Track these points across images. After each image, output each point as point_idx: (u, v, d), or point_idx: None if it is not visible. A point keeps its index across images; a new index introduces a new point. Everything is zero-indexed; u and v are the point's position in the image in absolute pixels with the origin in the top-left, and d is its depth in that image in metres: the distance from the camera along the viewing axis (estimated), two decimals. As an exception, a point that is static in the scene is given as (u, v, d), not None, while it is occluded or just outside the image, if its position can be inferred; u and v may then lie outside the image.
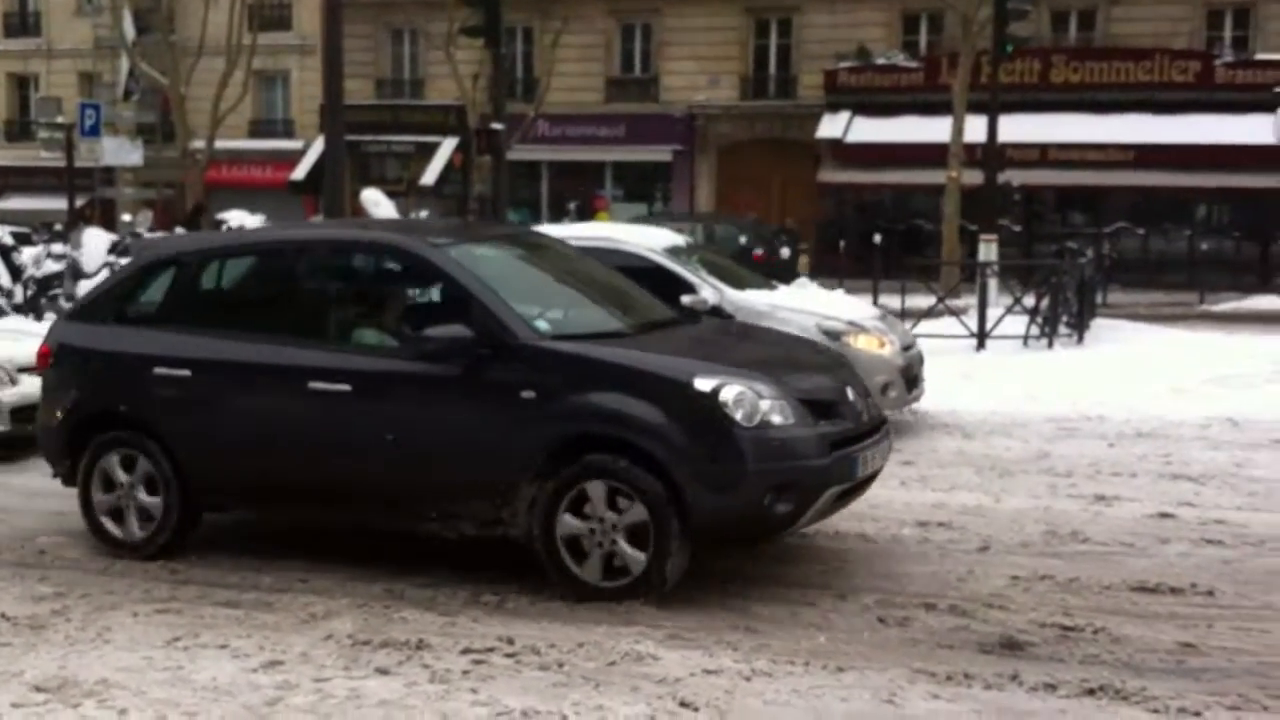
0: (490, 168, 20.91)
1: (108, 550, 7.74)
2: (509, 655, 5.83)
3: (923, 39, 33.30)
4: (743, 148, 34.26)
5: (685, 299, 10.82)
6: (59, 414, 7.95)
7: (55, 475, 8.16)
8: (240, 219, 22.58)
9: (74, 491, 7.90)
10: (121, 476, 7.72)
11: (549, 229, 12.51)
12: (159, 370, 7.58)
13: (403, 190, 32.79)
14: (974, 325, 16.18)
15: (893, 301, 17.44)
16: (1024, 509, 8.57)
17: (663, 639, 6.06)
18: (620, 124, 34.64)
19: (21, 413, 10.45)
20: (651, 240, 12.11)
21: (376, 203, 20.10)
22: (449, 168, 35.40)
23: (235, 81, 32.28)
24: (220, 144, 33.38)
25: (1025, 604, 6.57)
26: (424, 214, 22.82)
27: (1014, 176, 27.57)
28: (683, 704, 5.24)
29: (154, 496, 7.66)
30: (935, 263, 24.21)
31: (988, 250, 21.57)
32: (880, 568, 7.30)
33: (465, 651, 5.87)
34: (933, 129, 28.26)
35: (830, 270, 28.20)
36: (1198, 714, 5.16)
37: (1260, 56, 30.08)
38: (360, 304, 7.78)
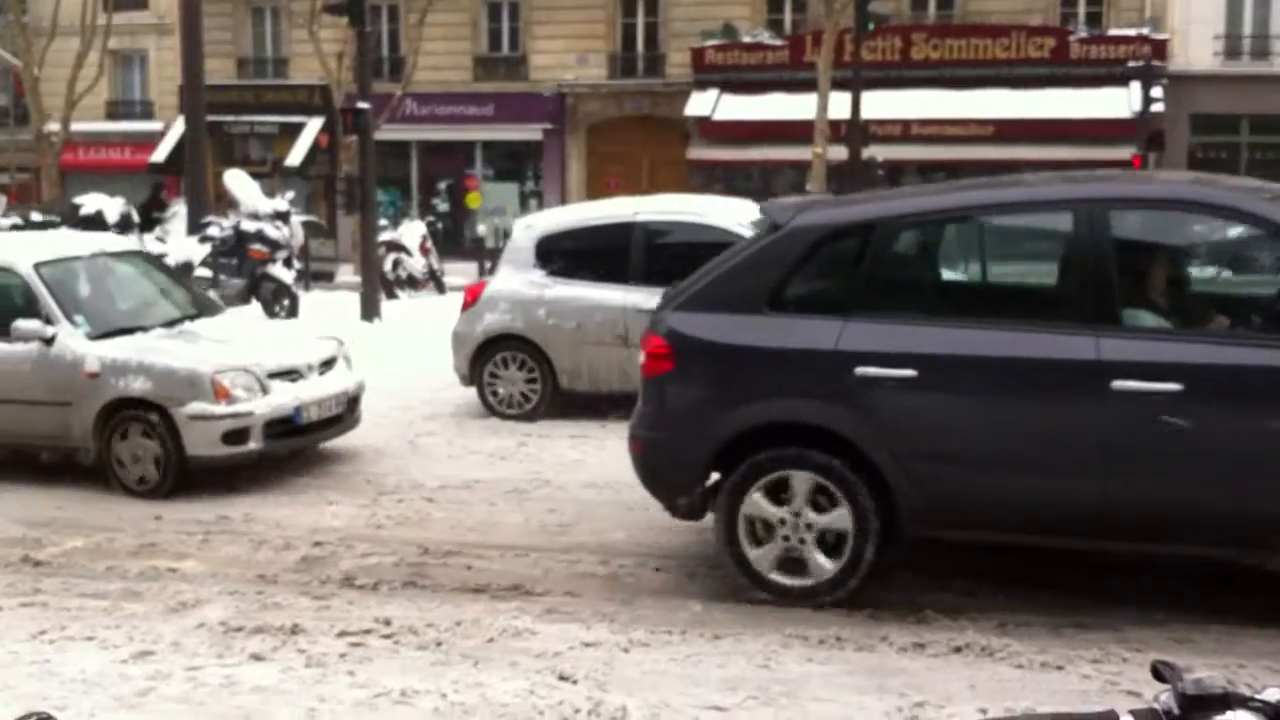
0: (357, 148, 20.63)
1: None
2: (386, 636, 5.81)
3: (787, 17, 33.60)
4: (612, 126, 34.26)
5: None
6: (693, 430, 6.30)
7: (677, 511, 6.60)
8: (98, 203, 21.96)
9: None
10: (807, 512, 6.16)
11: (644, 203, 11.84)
12: (864, 371, 5.99)
13: (268, 171, 32.15)
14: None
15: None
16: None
17: (540, 614, 6.09)
18: (489, 103, 34.37)
19: (274, 427, 9.00)
20: (734, 214, 11.25)
21: (240, 184, 19.69)
22: (315, 148, 34.81)
23: (91, 62, 31.30)
24: (76, 126, 32.35)
25: (897, 569, 6.72)
26: (289, 195, 22.38)
27: (878, 152, 28.01)
28: (561, 677, 5.28)
29: (822, 514, 6.13)
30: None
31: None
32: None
33: (341, 634, 5.83)
34: (799, 106, 28.55)
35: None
36: (1060, 668, 5.35)
37: (1113, 32, 30.93)
38: (1181, 278, 6.39)
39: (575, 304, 10.96)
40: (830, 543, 6.15)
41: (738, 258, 6.54)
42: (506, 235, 33.05)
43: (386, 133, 27.66)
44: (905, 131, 30.11)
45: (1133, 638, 5.65)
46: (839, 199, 7.96)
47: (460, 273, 23.11)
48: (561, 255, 11.25)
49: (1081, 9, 32.03)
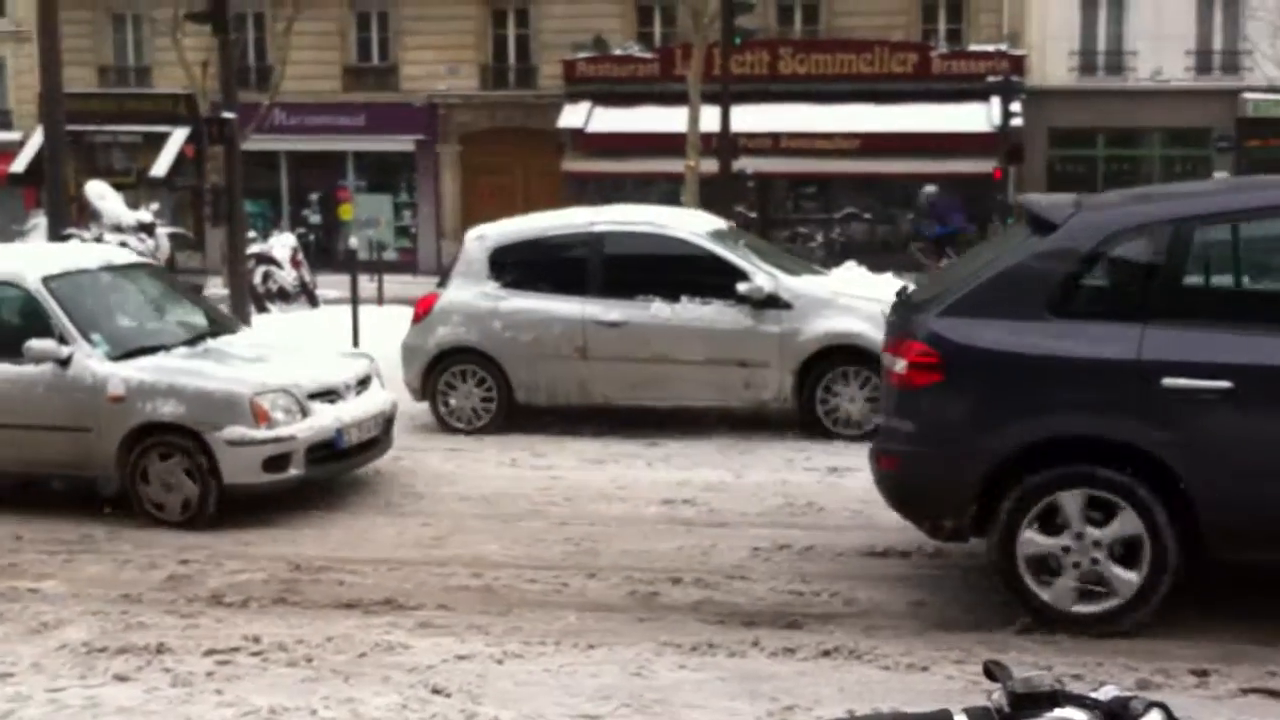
0: (224, 158, 20.26)
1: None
2: (255, 654, 5.73)
3: (657, 30, 33.87)
4: (485, 137, 34.15)
5: (741, 287, 10.41)
6: (967, 444, 5.91)
7: (941, 532, 6.23)
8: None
9: None
10: (1089, 530, 5.78)
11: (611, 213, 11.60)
12: (1173, 382, 5.58)
13: (132, 182, 31.40)
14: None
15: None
16: (763, 483, 8.88)
17: (413, 628, 6.06)
18: (360, 113, 34.02)
19: (316, 452, 8.42)
20: (694, 224, 11.31)
21: (102, 195, 19.21)
22: (181, 158, 34.10)
23: (-58, 70, 30.33)
24: (-71, 136, 31.31)
25: (765, 573, 6.84)
26: (155, 207, 21.88)
27: (748, 164, 28.36)
28: (435, 690, 5.27)
29: (1104, 527, 5.77)
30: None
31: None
32: (629, 545, 7.47)
33: (209, 653, 5.74)
34: (671, 119, 28.77)
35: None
36: (925, 669, 5.49)
37: (973, 48, 31.75)
38: None
39: (532, 316, 10.76)
40: (1119, 555, 5.78)
41: (1006, 260, 6.13)
42: (381, 247, 32.68)
43: (255, 143, 27.21)
44: (775, 144, 30.52)
45: (996, 639, 5.81)
46: (1119, 196, 7.55)
47: (333, 285, 22.79)
48: (516, 266, 11.00)
49: (942, 25, 32.82)
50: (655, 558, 7.20)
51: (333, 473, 8.70)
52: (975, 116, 30.21)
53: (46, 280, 8.60)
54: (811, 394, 10.34)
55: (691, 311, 10.53)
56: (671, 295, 10.60)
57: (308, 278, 23.02)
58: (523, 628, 6.07)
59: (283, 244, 23.45)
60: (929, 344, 5.94)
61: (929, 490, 6.09)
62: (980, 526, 5.98)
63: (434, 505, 8.52)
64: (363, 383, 9.05)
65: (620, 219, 11.32)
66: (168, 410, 8.17)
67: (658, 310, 10.59)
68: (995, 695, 1.65)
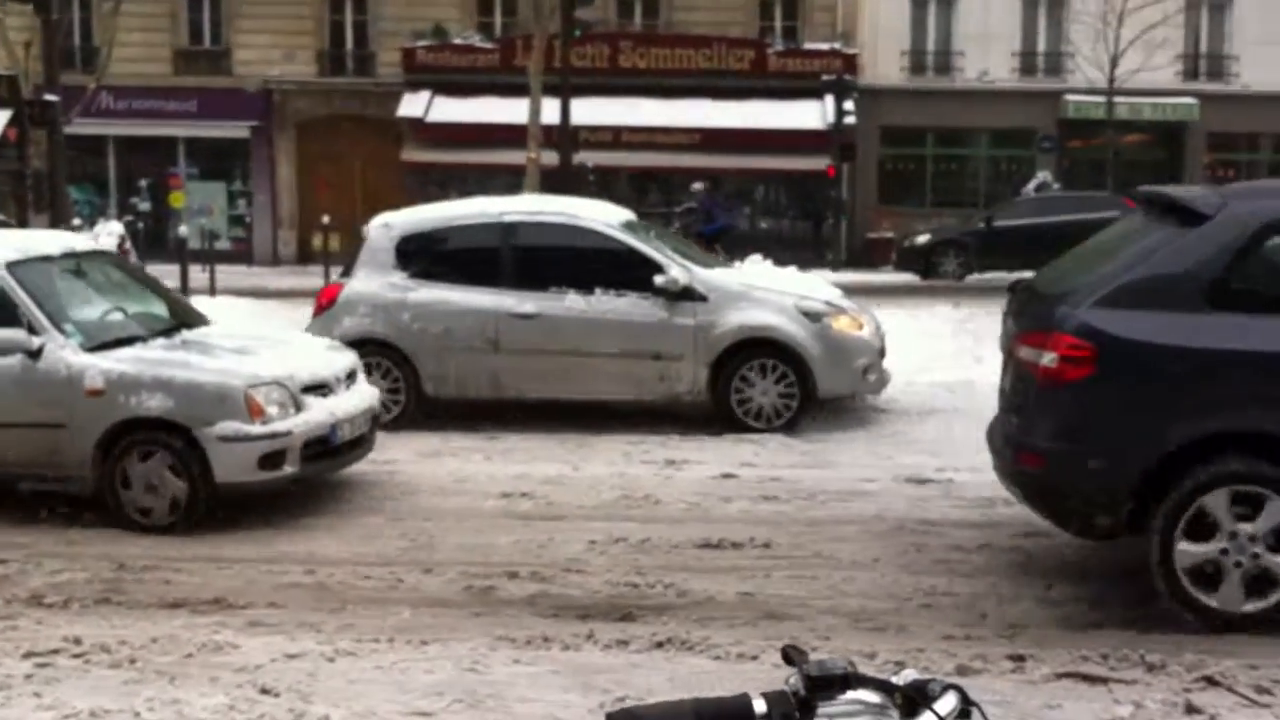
0: (46, 142, 19.55)
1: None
2: (76, 656, 5.56)
3: (498, 20, 33.71)
4: (323, 124, 33.55)
5: (658, 279, 10.30)
6: (1124, 441, 5.77)
7: (1092, 531, 6.14)
8: None
9: None
10: (1242, 528, 5.72)
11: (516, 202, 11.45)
12: None
13: (-54, 166, 30.08)
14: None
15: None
16: (601, 476, 8.94)
17: (242, 627, 5.96)
18: (192, 98, 33.09)
19: (310, 448, 7.94)
20: (606, 215, 11.11)
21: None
22: (3, 142, 32.77)
23: None
24: None
25: (601, 566, 6.89)
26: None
27: (588, 158, 28.43)
28: (264, 690, 5.18)
29: (1254, 521, 5.70)
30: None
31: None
32: (465, 540, 7.45)
33: (28, 655, 5.56)
34: (511, 110, 28.67)
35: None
36: (755, 658, 5.59)
37: (809, 46, 32.37)
38: None
39: (443, 308, 10.54)
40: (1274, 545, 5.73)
41: (1157, 251, 5.97)
42: (214, 236, 31.74)
43: (80, 127, 26.32)
44: (616, 138, 30.65)
45: (822, 626, 5.96)
46: (1267, 186, 7.40)
47: (163, 275, 22.11)
48: (424, 256, 10.77)
49: (778, 23, 33.34)
50: (492, 552, 7.20)
51: (324, 471, 8.31)
52: (810, 114, 30.77)
53: (10, 266, 7.96)
54: (726, 387, 10.38)
55: (606, 304, 10.49)
56: (585, 287, 10.53)
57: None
58: (356, 625, 6.01)
59: (109, 232, 22.66)
60: (1081, 336, 5.76)
61: (1081, 488, 5.94)
62: (1135, 524, 5.89)
63: (266, 501, 8.35)
64: (350, 376, 8.68)
65: (532, 209, 11.26)
66: (154, 405, 7.62)
67: (572, 302, 10.52)
68: (792, 679, 1.71)
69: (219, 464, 7.62)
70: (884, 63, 32.64)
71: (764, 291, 10.64)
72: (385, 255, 10.83)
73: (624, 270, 10.48)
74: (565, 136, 24.91)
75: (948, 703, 1.83)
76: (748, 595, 6.43)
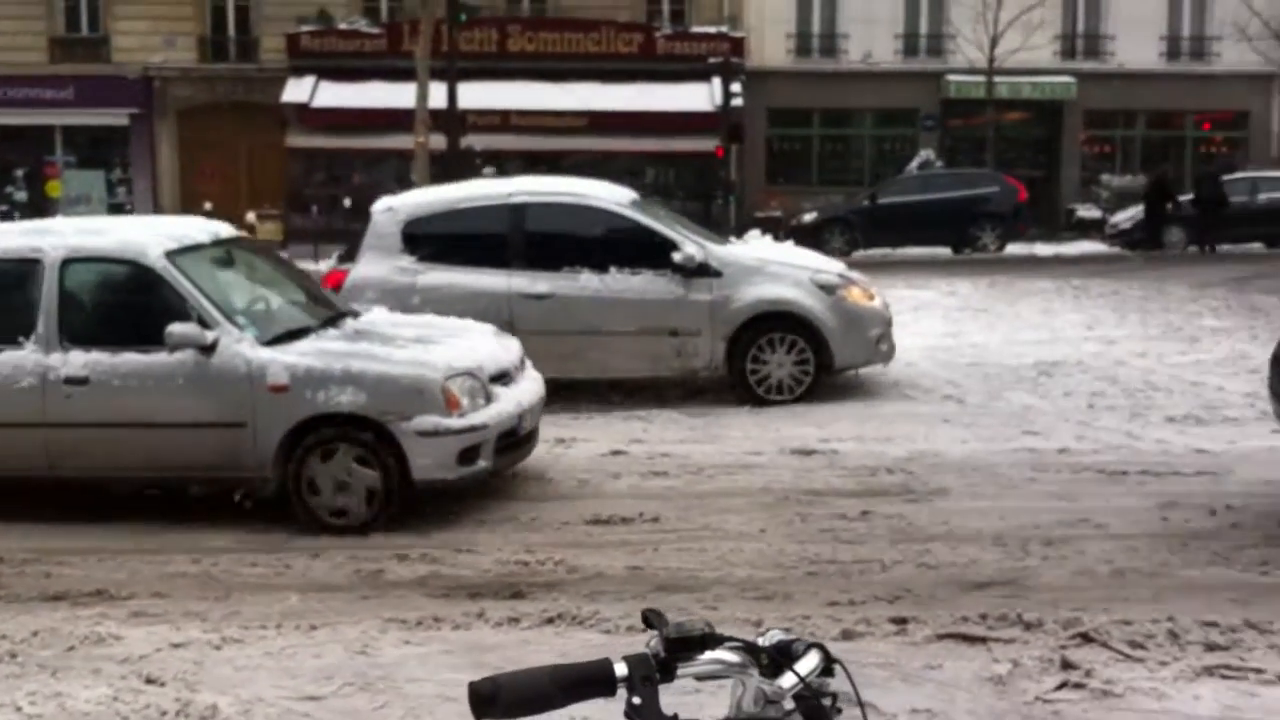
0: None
1: None
2: (-47, 652, 5.44)
3: (384, 5, 33.35)
4: (205, 111, 32.94)
5: (676, 256, 10.22)
6: None
7: None
8: None
9: None
10: None
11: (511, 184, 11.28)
12: None
13: None
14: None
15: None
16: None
17: (125, 618, 5.87)
18: (69, 86, 32.28)
19: (501, 441, 7.55)
20: (614, 194, 11.02)
21: None
22: None
23: None
24: None
25: (492, 545, 6.90)
26: None
27: (478, 141, 28.28)
28: (148, 680, 5.12)
29: None
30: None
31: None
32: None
33: (-97, 653, 5.42)
34: (399, 94, 28.40)
35: (304, 235, 27.89)
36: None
37: (696, 29, 32.51)
38: None
39: (454, 291, 10.32)
40: None
41: None
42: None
43: (-51, 116, 25.54)
44: (505, 122, 30.53)
45: (710, 596, 6.03)
46: None
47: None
48: (432, 240, 10.58)
49: (666, 6, 33.46)
50: (380, 535, 7.16)
51: (511, 464, 7.97)
52: (698, 96, 30.93)
53: (171, 256, 7.54)
54: (742, 361, 10.43)
55: (621, 282, 10.46)
56: (599, 266, 10.50)
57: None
58: (242, 612, 5.95)
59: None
60: None
61: None
62: None
63: (150, 490, 8.22)
64: (522, 363, 8.37)
65: (541, 190, 11.15)
66: (344, 400, 7.20)
67: (586, 281, 10.48)
68: (652, 642, 1.74)
69: (416, 460, 7.23)
70: (770, 45, 32.92)
71: (779, 265, 10.73)
72: (391, 239, 10.70)
73: (636, 248, 10.47)
74: (452, 120, 24.74)
75: (810, 661, 1.87)
76: (637, 569, 6.48)
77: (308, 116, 31.34)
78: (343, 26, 32.26)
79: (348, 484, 7.26)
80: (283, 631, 5.68)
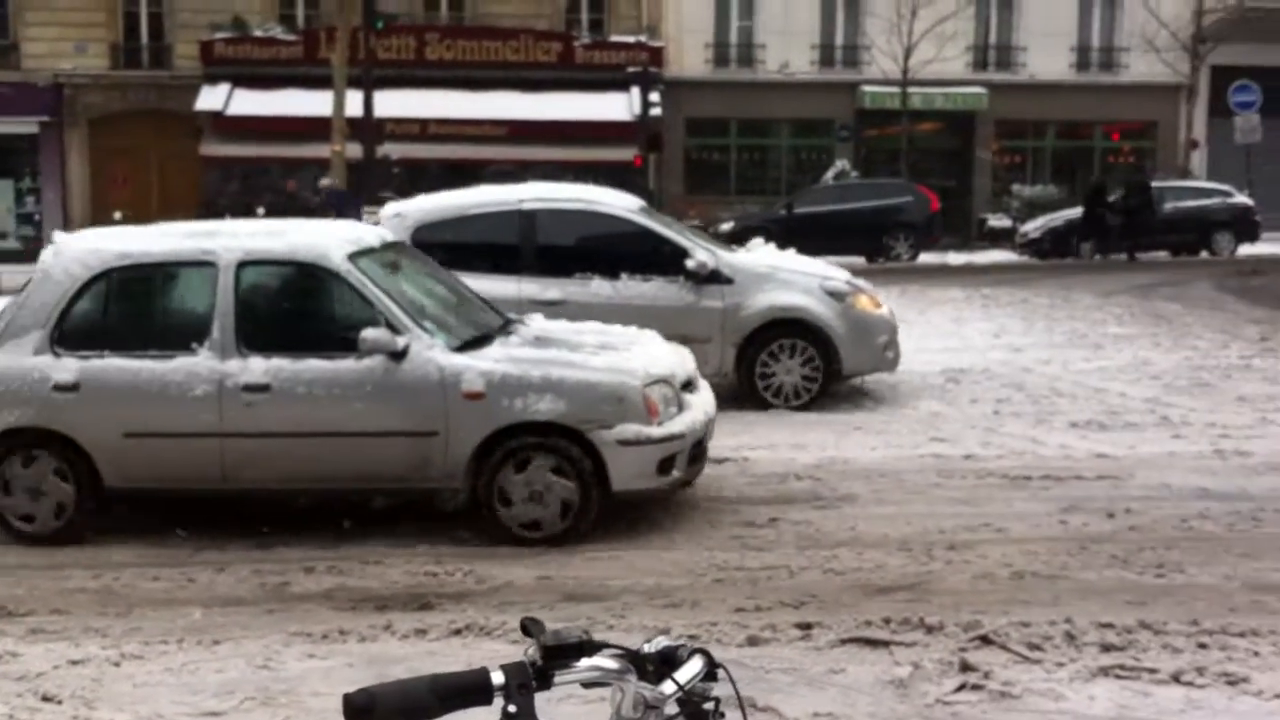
0: None
1: None
2: None
3: (300, 12, 33.07)
4: (117, 119, 32.43)
5: (689, 263, 10.14)
6: None
7: None
8: None
9: None
10: None
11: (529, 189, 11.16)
12: None
13: None
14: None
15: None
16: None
17: (23, 635, 5.77)
18: (-25, 93, 31.74)
19: (694, 449, 7.37)
20: (623, 201, 11.00)
21: None
22: None
23: None
24: None
25: (400, 557, 6.86)
26: None
27: (396, 150, 28.12)
28: (45, 698, 5.04)
29: None
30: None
31: (370, 222, 21.92)
32: (261, 537, 7.33)
33: None
34: (315, 102, 28.17)
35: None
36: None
37: (614, 39, 32.59)
38: None
39: None
40: None
41: None
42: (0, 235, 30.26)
43: None
44: (423, 130, 30.39)
45: (618, 605, 6.05)
46: None
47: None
48: (442, 246, 10.31)
49: (585, 15, 33.50)
50: (288, 547, 7.10)
51: (696, 474, 7.71)
52: (617, 105, 31.00)
53: (353, 259, 7.34)
54: (751, 368, 10.44)
55: (633, 288, 10.44)
56: (610, 272, 10.47)
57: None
58: (143, 628, 5.87)
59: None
60: None
61: None
62: None
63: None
64: (696, 372, 8.18)
65: (550, 196, 11.08)
66: (543, 407, 6.99)
67: (598, 288, 10.43)
68: (529, 650, 1.75)
69: (616, 470, 7.03)
70: (689, 55, 33.09)
71: (789, 273, 10.78)
72: None
73: (647, 255, 10.45)
74: (369, 129, 24.59)
75: (693, 667, 1.89)
76: (546, 578, 6.49)
77: (222, 124, 30.99)
78: (258, 33, 31.94)
79: (542, 495, 7.06)
80: (184, 647, 5.62)
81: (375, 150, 25.18)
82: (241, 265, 7.30)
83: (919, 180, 30.13)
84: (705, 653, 1.93)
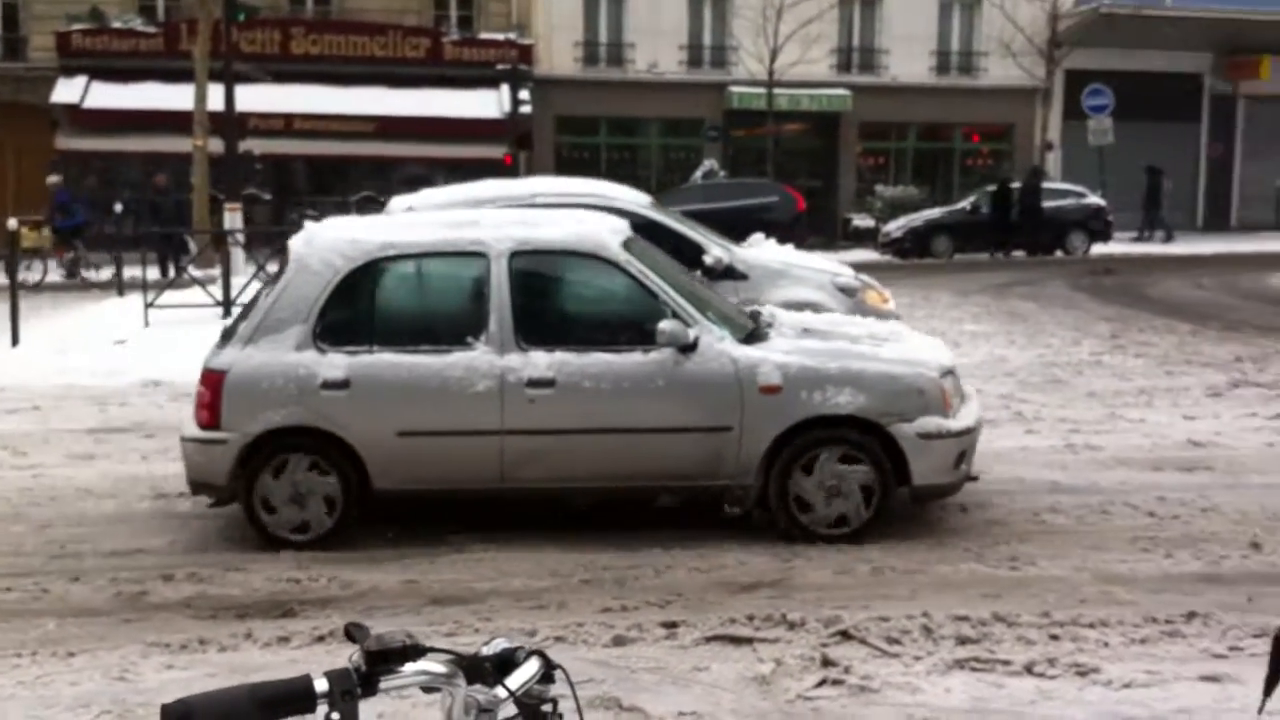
0: None
1: None
2: None
3: (160, 3, 32.28)
4: (-32, 112, 31.42)
5: (706, 259, 9.93)
6: None
7: None
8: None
9: None
10: None
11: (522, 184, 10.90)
12: None
13: None
14: (219, 294, 16.12)
15: (134, 271, 16.84)
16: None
17: None
18: None
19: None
20: (633, 197, 10.90)
21: None
22: None
23: None
24: None
25: (263, 563, 6.76)
26: None
27: (260, 145, 27.63)
28: (-114, 717, 4.87)
29: None
30: (181, 231, 23.76)
31: (233, 219, 21.52)
32: (118, 545, 7.16)
33: None
34: (178, 96, 27.52)
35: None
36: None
37: (484, 36, 32.42)
38: None
39: None
40: None
41: None
42: None
43: None
44: (288, 125, 29.91)
45: (485, 608, 6.05)
46: None
47: None
48: None
49: (454, 12, 33.27)
50: (146, 556, 6.96)
51: (969, 471, 7.46)
52: (486, 103, 30.86)
53: (625, 246, 7.12)
54: None
55: None
56: None
57: None
58: (-6, 640, 5.71)
59: None
60: None
61: None
62: None
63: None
64: None
65: (562, 191, 10.91)
66: (843, 400, 6.82)
67: None
68: (354, 656, 1.75)
69: (917, 464, 6.89)
70: (558, 53, 33.07)
71: (801, 269, 10.77)
72: None
73: (662, 249, 10.39)
74: (231, 123, 24.10)
75: (529, 669, 1.90)
76: (411, 582, 6.45)
77: (79, 117, 30.13)
78: (117, 25, 31.12)
79: (838, 490, 6.94)
80: (38, 659, 5.47)
81: (238, 145, 24.67)
82: (514, 255, 7.05)
83: (786, 180, 30.52)
84: (542, 654, 1.95)
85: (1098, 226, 28.95)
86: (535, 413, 6.91)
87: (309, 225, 7.62)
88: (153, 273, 18.31)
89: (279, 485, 7.00)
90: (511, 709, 1.85)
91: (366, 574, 6.56)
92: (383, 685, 1.73)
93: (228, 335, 7.22)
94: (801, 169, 34.04)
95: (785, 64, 31.48)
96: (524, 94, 29.75)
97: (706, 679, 5.18)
